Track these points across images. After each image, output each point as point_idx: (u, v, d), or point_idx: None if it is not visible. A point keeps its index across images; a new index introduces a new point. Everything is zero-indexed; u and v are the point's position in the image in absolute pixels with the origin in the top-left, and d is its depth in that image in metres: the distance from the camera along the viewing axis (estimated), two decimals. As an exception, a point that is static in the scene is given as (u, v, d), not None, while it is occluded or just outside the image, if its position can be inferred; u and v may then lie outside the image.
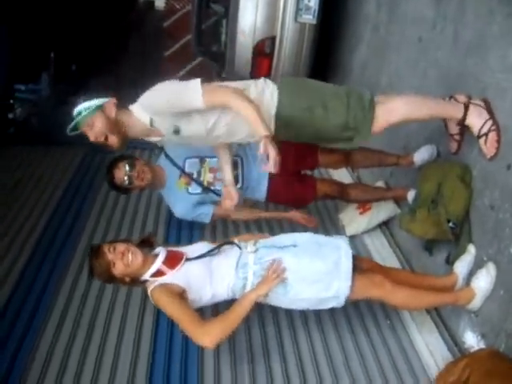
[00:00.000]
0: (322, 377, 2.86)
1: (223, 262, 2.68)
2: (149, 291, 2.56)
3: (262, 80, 2.74)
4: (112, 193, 4.44)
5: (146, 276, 2.58)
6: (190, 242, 3.75)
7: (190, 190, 3.43)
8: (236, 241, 2.81)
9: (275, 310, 3.17)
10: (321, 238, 2.80)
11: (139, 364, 2.87)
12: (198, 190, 3.42)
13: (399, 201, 3.85)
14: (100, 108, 2.58)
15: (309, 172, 3.84)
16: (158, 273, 2.58)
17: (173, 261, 2.63)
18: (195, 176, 3.41)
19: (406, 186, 3.69)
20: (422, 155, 3.50)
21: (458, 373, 2.46)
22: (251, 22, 5.00)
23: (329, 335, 3.12)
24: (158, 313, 3.09)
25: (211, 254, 2.70)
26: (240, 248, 2.74)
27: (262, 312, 3.20)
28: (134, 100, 2.65)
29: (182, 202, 3.46)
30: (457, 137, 3.03)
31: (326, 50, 5.68)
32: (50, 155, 5.11)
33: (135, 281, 2.64)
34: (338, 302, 2.67)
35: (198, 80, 2.49)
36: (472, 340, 2.82)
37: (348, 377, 2.87)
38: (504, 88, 2.67)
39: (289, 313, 3.20)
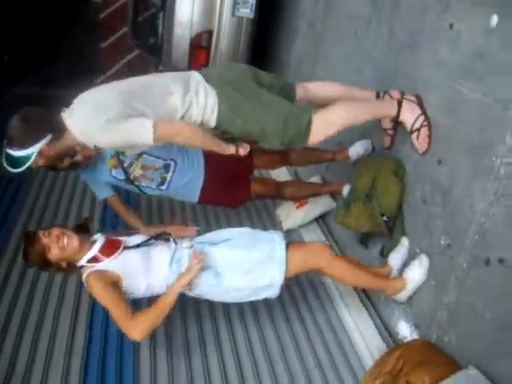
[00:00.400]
0: (258, 369, 2.88)
1: (159, 254, 2.67)
2: (83, 277, 2.54)
3: (202, 91, 2.60)
4: (47, 181, 4.34)
5: (82, 261, 2.55)
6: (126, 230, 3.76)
7: (113, 172, 3.32)
8: (172, 236, 2.81)
9: (212, 306, 3.17)
10: (256, 232, 2.84)
11: (74, 356, 2.85)
12: (121, 177, 3.34)
13: (335, 195, 3.89)
14: (40, 154, 2.44)
15: None
16: (95, 259, 2.55)
17: (110, 249, 2.61)
18: (126, 165, 3.33)
19: (342, 180, 3.74)
20: (356, 150, 3.54)
21: (392, 363, 2.51)
22: (188, 15, 4.93)
23: (266, 328, 3.14)
24: (94, 302, 3.06)
25: (148, 243, 2.71)
26: (176, 243, 2.73)
27: (199, 307, 3.20)
28: (69, 94, 2.52)
29: (98, 173, 3.32)
30: (390, 132, 3.08)
31: (263, 44, 5.68)
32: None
33: (71, 267, 2.59)
34: (273, 292, 2.69)
35: (150, 122, 2.38)
36: (406, 331, 2.88)
37: (284, 368, 2.90)
38: (435, 83, 2.73)
39: (226, 307, 3.20)
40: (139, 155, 3.33)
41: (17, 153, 2.39)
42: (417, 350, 2.57)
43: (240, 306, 3.20)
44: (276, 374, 2.86)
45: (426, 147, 2.76)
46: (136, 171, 3.32)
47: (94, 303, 3.08)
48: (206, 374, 2.83)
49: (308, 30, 4.76)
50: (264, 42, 5.70)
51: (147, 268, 2.62)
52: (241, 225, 4.07)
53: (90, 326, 3.04)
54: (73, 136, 2.42)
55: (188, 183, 3.42)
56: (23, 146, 2.38)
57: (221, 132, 2.68)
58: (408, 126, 2.82)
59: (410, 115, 2.80)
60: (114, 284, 2.52)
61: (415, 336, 2.80)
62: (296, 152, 3.73)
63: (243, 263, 2.65)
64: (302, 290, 3.42)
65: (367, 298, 3.30)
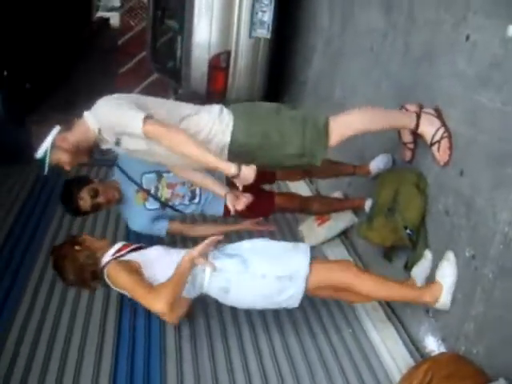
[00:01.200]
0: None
1: (180, 252, 2.71)
2: (105, 272, 2.62)
3: (217, 107, 2.70)
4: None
5: (107, 257, 2.67)
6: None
7: (148, 205, 3.39)
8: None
9: (235, 314, 3.23)
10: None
11: (103, 362, 2.89)
12: (156, 205, 3.40)
13: (357, 210, 3.89)
14: (53, 147, 2.58)
15: (267, 186, 3.85)
16: (118, 252, 2.71)
17: (129, 245, 2.79)
18: (153, 191, 3.38)
19: (363, 194, 3.74)
20: (377, 164, 3.55)
21: (420, 377, 2.48)
22: (206, 37, 5.03)
23: (292, 345, 3.11)
24: (121, 310, 3.18)
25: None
26: None
27: (222, 312, 3.26)
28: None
29: (139, 216, 3.42)
30: (410, 145, 3.08)
31: (280, 63, 5.73)
32: (4, 174, 5.00)
33: (96, 273, 2.69)
34: (296, 287, 2.65)
35: (142, 114, 2.45)
36: (433, 344, 2.85)
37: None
38: (454, 95, 2.74)
39: (248, 316, 3.24)
40: (159, 176, 3.37)
41: (38, 154, 2.58)
42: (444, 363, 2.54)
43: (263, 318, 3.23)
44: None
45: (447, 159, 2.76)
46: (164, 192, 3.38)
47: (121, 309, 3.18)
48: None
49: (325, 48, 4.80)
50: (281, 61, 5.75)
51: (166, 261, 2.66)
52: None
53: (118, 333, 3.09)
54: (85, 123, 2.59)
55: (214, 198, 3.45)
56: (39, 145, 2.57)
57: (238, 151, 2.68)
58: (428, 138, 2.83)
59: (429, 128, 2.80)
60: (136, 270, 2.59)
61: (442, 349, 2.77)
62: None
63: (268, 250, 2.72)
64: (326, 305, 3.40)
65: (393, 312, 3.27)
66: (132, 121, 2.45)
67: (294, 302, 2.73)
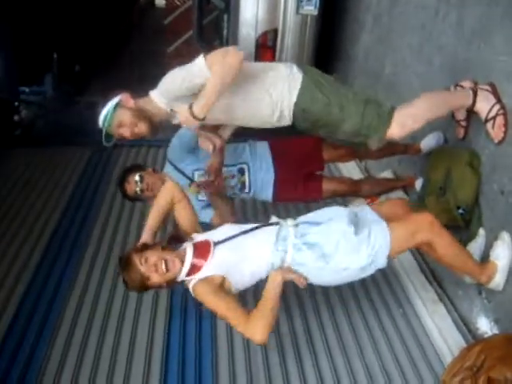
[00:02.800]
0: (336, 367, 2.87)
1: (260, 237, 2.61)
2: (190, 288, 2.52)
3: (288, 65, 2.76)
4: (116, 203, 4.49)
5: (182, 276, 2.52)
6: None
7: (200, 197, 3.47)
8: (275, 219, 2.76)
9: (287, 301, 3.19)
10: (356, 212, 2.75)
11: (152, 365, 2.88)
12: (206, 197, 3.48)
13: (408, 189, 3.84)
14: (118, 105, 2.63)
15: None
16: (193, 269, 2.51)
17: (202, 252, 2.55)
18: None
19: (414, 173, 3.68)
20: (429, 142, 3.49)
21: (473, 359, 2.45)
22: (253, 15, 4.99)
23: (342, 326, 3.12)
24: (171, 313, 3.15)
25: (243, 233, 2.65)
26: (278, 224, 2.67)
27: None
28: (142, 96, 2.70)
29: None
30: (463, 123, 3.02)
31: (328, 40, 5.66)
32: (57, 156, 5.13)
33: (172, 283, 2.59)
34: (378, 265, 2.56)
35: (201, 55, 2.48)
36: (486, 326, 2.81)
37: (362, 366, 2.87)
38: (510, 71, 2.65)
39: (302, 308, 3.22)
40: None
41: (102, 113, 2.64)
42: (498, 344, 2.50)
43: (315, 306, 3.22)
44: (354, 371, 2.85)
45: (503, 136, 2.69)
46: None
47: (171, 313, 3.16)
48: (284, 372, 2.85)
49: (374, 24, 4.70)
50: (329, 38, 5.67)
51: (245, 257, 2.56)
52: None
53: (168, 337, 3.05)
54: (152, 101, 2.64)
55: (262, 181, 3.51)
56: (107, 102, 2.65)
57: (300, 114, 2.70)
58: (483, 114, 2.76)
59: (485, 104, 2.74)
60: (221, 285, 2.50)
61: (495, 331, 2.74)
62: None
63: (348, 242, 2.54)
64: (377, 286, 3.39)
65: (444, 292, 3.24)
66: (198, 68, 2.46)
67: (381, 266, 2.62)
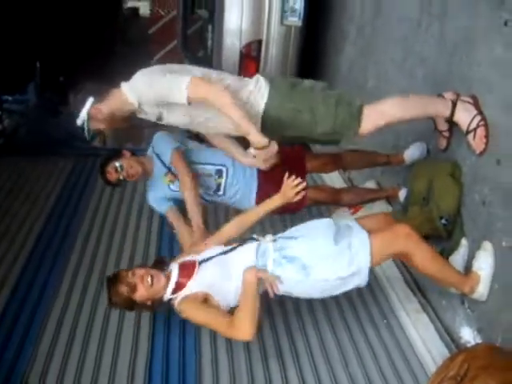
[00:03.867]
0: (320, 377, 2.85)
1: (241, 254, 2.67)
2: (176, 307, 2.61)
3: (255, 78, 2.82)
4: (104, 197, 4.45)
5: (168, 294, 2.62)
6: None
7: (172, 187, 3.50)
8: (254, 235, 2.81)
9: (270, 308, 3.18)
10: (335, 223, 2.78)
11: (136, 378, 2.83)
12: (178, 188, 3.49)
13: (391, 200, 3.86)
14: (89, 118, 2.74)
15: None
16: (178, 287, 2.61)
17: (187, 271, 2.66)
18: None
19: (397, 184, 3.71)
20: (412, 153, 3.51)
21: (456, 368, 2.45)
22: (237, 25, 5.02)
23: (326, 336, 3.11)
24: (154, 326, 3.10)
25: (224, 252, 2.72)
26: (257, 240, 2.75)
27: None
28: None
29: (158, 191, 3.57)
30: (445, 133, 3.04)
31: (312, 52, 5.69)
32: (40, 165, 5.09)
33: (157, 303, 2.68)
34: (362, 279, 2.61)
35: (187, 78, 2.54)
36: (469, 335, 2.83)
37: (346, 376, 2.86)
38: (491, 82, 2.68)
39: (286, 317, 3.20)
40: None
41: (79, 122, 2.75)
42: (481, 354, 2.50)
43: (299, 313, 3.21)
44: (337, 382, 2.83)
45: (484, 147, 2.72)
46: None
47: (154, 324, 3.12)
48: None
49: (357, 35, 4.75)
50: (313, 49, 5.71)
51: (228, 274, 2.62)
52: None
53: (152, 346, 3.00)
54: (123, 95, 2.70)
55: (242, 188, 3.52)
56: (78, 115, 2.74)
57: (270, 122, 2.75)
58: (464, 126, 2.78)
59: (465, 115, 2.76)
60: (205, 300, 2.58)
61: (478, 340, 2.74)
62: (350, 155, 3.75)
63: (327, 253, 2.59)
64: (360, 295, 3.39)
65: (427, 302, 3.25)
66: (177, 90, 2.54)
67: (360, 286, 2.70)
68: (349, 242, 2.60)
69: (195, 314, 2.54)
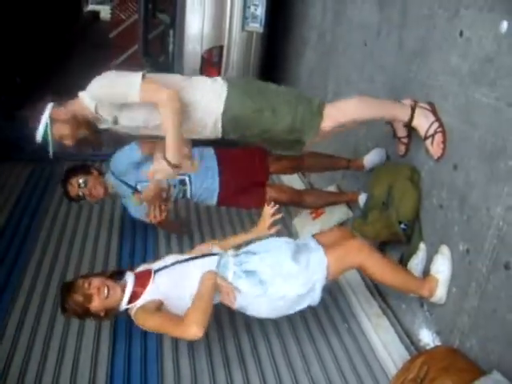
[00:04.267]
0: (282, 381, 2.87)
1: (201, 266, 2.67)
2: (132, 316, 2.60)
3: (211, 78, 2.83)
4: (63, 206, 4.40)
5: (123, 305, 2.61)
6: (144, 251, 3.88)
7: (144, 204, 3.48)
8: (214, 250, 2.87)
9: (233, 317, 3.19)
10: (294, 241, 2.87)
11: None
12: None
13: (351, 204, 3.91)
14: (51, 120, 2.64)
15: None
16: (133, 296, 2.61)
17: (142, 280, 2.67)
18: None
19: (357, 189, 3.76)
20: (371, 158, 3.56)
21: (416, 370, 2.50)
22: (198, 31, 5.01)
23: (288, 341, 3.13)
24: (115, 333, 3.09)
25: (181, 261, 2.76)
26: (219, 254, 2.79)
27: (220, 317, 3.21)
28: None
29: (136, 210, 3.66)
30: (404, 140, 3.10)
31: (273, 58, 5.72)
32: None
33: (110, 313, 2.67)
34: (315, 298, 2.69)
35: (140, 75, 2.53)
36: (428, 338, 2.88)
37: (308, 380, 2.88)
38: (447, 90, 2.74)
39: (247, 322, 3.21)
40: None
41: (38, 134, 2.63)
42: (440, 356, 2.55)
43: (261, 321, 3.20)
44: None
45: (441, 152, 2.77)
46: None
47: (114, 332, 3.11)
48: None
49: (317, 42, 4.80)
50: (274, 55, 5.74)
51: (184, 283, 2.63)
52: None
53: (112, 355, 2.99)
54: (81, 103, 2.65)
55: (205, 191, 3.62)
56: (37, 123, 2.62)
57: (230, 123, 2.75)
58: (422, 132, 2.84)
59: (423, 121, 2.81)
60: (158, 307, 2.57)
61: (437, 343, 2.80)
62: (310, 158, 3.79)
63: (285, 269, 2.64)
64: (322, 300, 3.40)
65: (387, 306, 3.30)
66: (129, 88, 2.51)
67: (314, 304, 2.76)
68: (307, 259, 2.67)
69: (146, 320, 2.52)
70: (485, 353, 2.44)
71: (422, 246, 2.92)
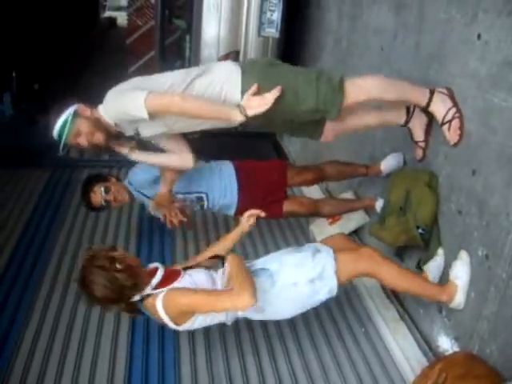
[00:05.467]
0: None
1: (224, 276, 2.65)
2: (158, 301, 2.40)
3: (226, 64, 2.84)
4: (82, 209, 4.42)
5: (149, 289, 2.44)
6: (162, 256, 3.90)
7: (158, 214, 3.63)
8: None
9: (250, 322, 3.15)
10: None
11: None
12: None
13: (368, 210, 3.89)
14: (76, 114, 2.68)
15: None
16: (164, 282, 2.50)
17: (171, 277, 2.55)
18: None
19: (374, 194, 3.74)
20: (389, 163, 3.54)
21: (434, 377, 2.47)
22: (215, 36, 5.04)
23: (305, 346, 3.12)
24: (133, 337, 3.08)
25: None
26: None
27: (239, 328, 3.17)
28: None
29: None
30: (422, 144, 3.08)
31: (289, 63, 5.70)
32: (16, 177, 5.03)
33: (137, 291, 2.45)
34: (330, 287, 2.63)
35: (144, 93, 2.53)
36: (446, 344, 2.85)
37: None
38: (465, 95, 2.73)
39: (264, 326, 3.19)
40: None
41: (58, 123, 2.66)
42: (458, 362, 2.53)
43: (278, 325, 3.19)
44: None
45: (458, 139, 2.75)
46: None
47: (133, 328, 3.10)
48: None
49: (334, 46, 4.79)
50: (290, 60, 5.72)
51: (214, 287, 2.59)
52: (275, 242, 4.20)
53: (131, 352, 3.01)
54: (100, 114, 2.71)
55: (223, 207, 3.65)
56: (60, 113, 2.67)
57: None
58: (439, 117, 2.81)
59: (441, 106, 2.79)
60: (193, 290, 2.47)
61: (456, 349, 2.77)
62: (331, 168, 3.78)
63: (292, 259, 2.68)
64: (339, 304, 3.41)
65: (405, 311, 3.28)
66: (135, 106, 2.53)
67: (332, 295, 2.71)
68: (313, 249, 2.70)
69: (183, 296, 2.39)
70: (505, 359, 2.41)
71: (440, 251, 2.90)
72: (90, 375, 2.86)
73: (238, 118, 2.61)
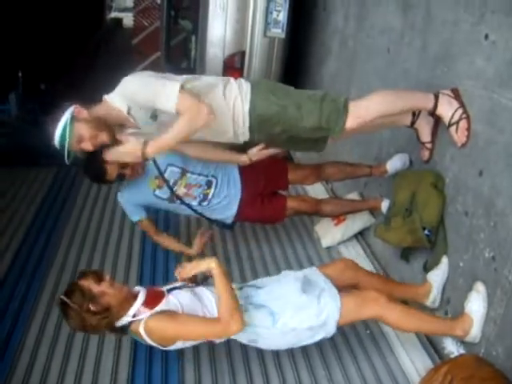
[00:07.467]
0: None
1: (205, 291, 2.61)
2: (140, 329, 2.36)
3: (235, 79, 2.81)
4: (86, 209, 4.42)
5: (128, 318, 2.41)
6: (166, 260, 3.79)
7: (157, 192, 3.40)
8: None
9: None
10: (305, 276, 2.77)
11: None
12: (165, 196, 3.42)
13: (374, 211, 3.87)
14: (73, 119, 2.53)
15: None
16: (144, 306, 2.44)
17: (154, 299, 2.48)
18: (171, 183, 3.39)
19: (380, 195, 3.72)
20: (394, 164, 3.52)
21: (440, 379, 2.45)
22: (220, 36, 5.04)
23: (310, 348, 3.10)
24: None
25: (189, 286, 2.65)
26: None
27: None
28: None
29: (138, 194, 3.40)
30: (428, 145, 3.06)
31: (295, 63, 5.72)
32: (21, 176, 5.04)
33: (113, 325, 2.44)
34: (328, 331, 2.60)
35: (177, 86, 2.48)
36: (452, 346, 2.83)
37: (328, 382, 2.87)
38: (472, 95, 2.71)
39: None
40: (183, 174, 3.39)
41: (57, 130, 2.52)
42: (464, 365, 2.51)
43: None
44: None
45: (465, 140, 2.74)
46: (180, 190, 3.41)
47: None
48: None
49: (340, 48, 4.78)
50: (296, 60, 5.74)
51: (201, 301, 2.54)
52: (279, 242, 4.18)
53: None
54: (108, 106, 2.62)
55: (226, 198, 3.51)
56: (58, 120, 2.52)
57: (257, 122, 2.75)
58: (446, 119, 2.80)
59: (447, 108, 2.78)
60: (178, 314, 2.42)
61: (462, 351, 2.75)
62: (332, 166, 3.76)
63: (295, 301, 2.57)
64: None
65: (410, 313, 3.25)
66: (166, 99, 2.47)
67: (328, 337, 2.67)
68: (319, 292, 2.61)
69: (169, 327, 2.36)
70: (511, 361, 2.39)
71: (445, 260, 2.89)
72: (93, 375, 2.84)
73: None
